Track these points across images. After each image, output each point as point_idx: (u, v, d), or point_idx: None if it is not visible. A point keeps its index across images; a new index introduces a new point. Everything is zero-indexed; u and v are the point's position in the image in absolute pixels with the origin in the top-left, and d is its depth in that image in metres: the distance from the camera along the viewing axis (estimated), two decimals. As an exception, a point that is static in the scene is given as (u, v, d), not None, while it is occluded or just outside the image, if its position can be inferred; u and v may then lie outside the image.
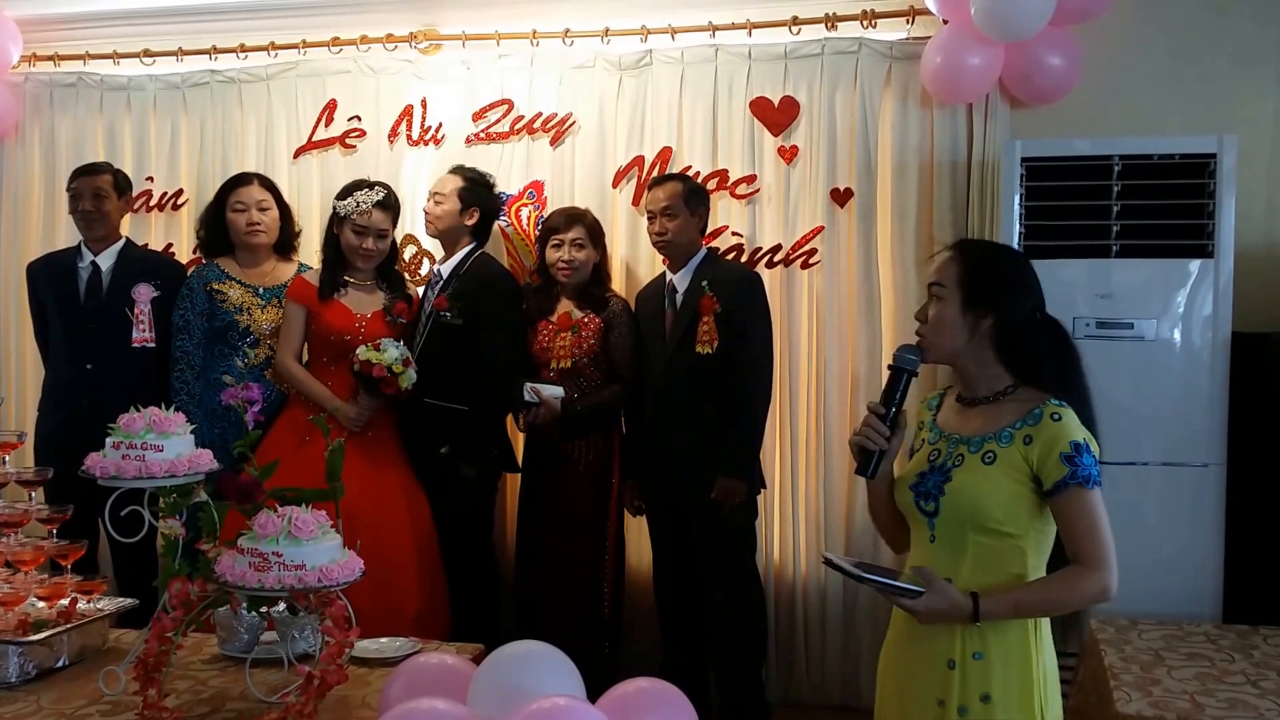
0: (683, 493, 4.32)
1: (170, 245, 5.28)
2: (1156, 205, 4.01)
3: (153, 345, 4.53)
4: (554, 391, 4.35)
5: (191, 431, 2.75)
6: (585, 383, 4.45)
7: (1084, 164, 4.09)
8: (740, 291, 4.30)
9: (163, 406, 2.72)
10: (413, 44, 5.10)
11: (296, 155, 5.19)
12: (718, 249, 4.64)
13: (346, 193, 4.45)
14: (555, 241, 4.47)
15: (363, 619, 2.96)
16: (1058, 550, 2.37)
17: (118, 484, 2.60)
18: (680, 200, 4.33)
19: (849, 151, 4.66)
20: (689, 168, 4.74)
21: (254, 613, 2.65)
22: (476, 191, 4.57)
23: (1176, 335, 4.01)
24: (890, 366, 2.47)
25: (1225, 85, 4.49)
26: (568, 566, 4.43)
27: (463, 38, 5.02)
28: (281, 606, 2.73)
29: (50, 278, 4.69)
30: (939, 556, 2.38)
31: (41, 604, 2.88)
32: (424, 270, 4.97)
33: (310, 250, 4.79)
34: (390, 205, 4.48)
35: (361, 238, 4.40)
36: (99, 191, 4.65)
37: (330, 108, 5.14)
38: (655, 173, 4.75)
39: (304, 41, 5.19)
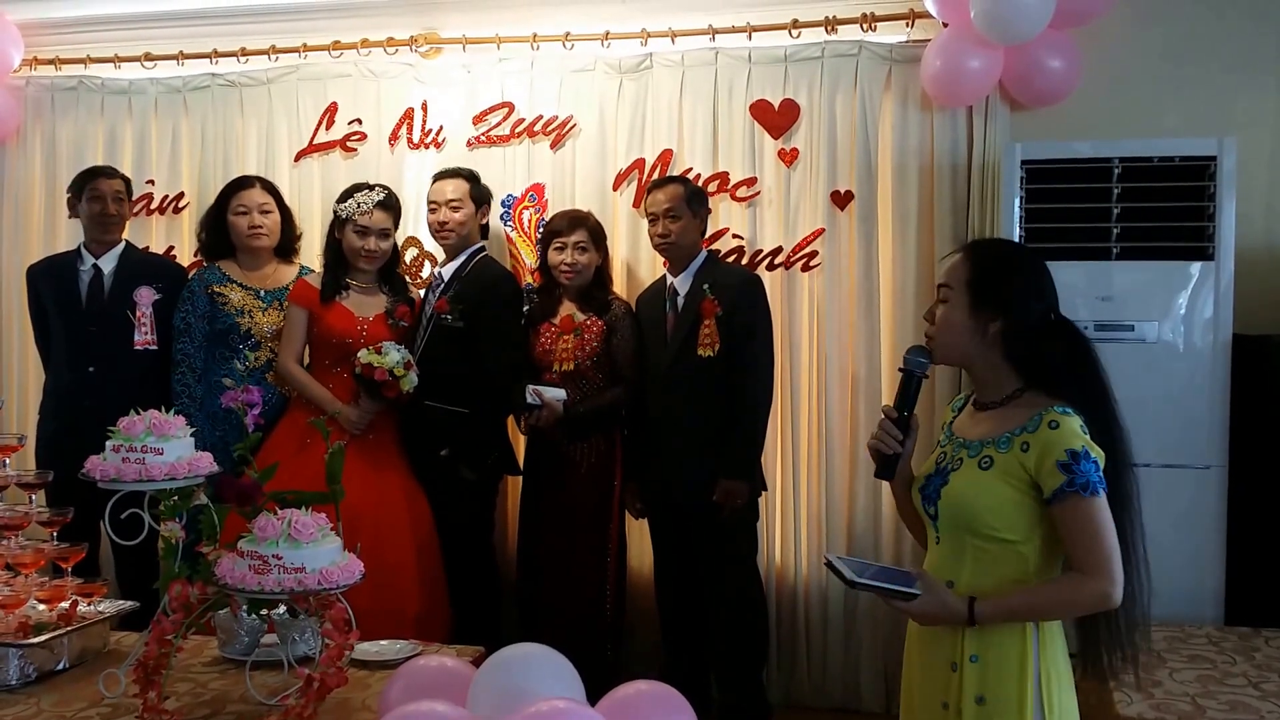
0: (684, 495, 4.31)
1: (171, 248, 5.29)
2: (1157, 208, 4.02)
3: (155, 348, 4.54)
4: (556, 394, 4.34)
5: (192, 434, 2.75)
6: (587, 385, 4.44)
7: (1084, 166, 4.10)
8: (741, 294, 4.30)
9: (163, 409, 2.72)
10: (413, 47, 5.11)
11: (297, 159, 5.19)
12: (718, 251, 4.64)
13: (347, 195, 4.47)
14: (557, 244, 4.47)
15: (363, 621, 2.96)
16: None
17: (117, 487, 2.60)
18: (682, 202, 4.34)
19: (849, 154, 4.67)
20: (689, 170, 4.75)
21: (254, 615, 2.65)
22: (482, 189, 4.62)
23: (1177, 337, 4.02)
24: (900, 369, 2.47)
25: (1225, 87, 4.49)
26: (569, 568, 4.42)
27: (463, 41, 5.02)
28: (282, 609, 2.73)
29: (51, 281, 4.69)
30: (943, 559, 2.40)
31: (42, 607, 2.87)
32: (426, 273, 4.97)
33: (311, 253, 4.80)
34: (391, 206, 4.49)
35: (364, 238, 4.41)
36: (119, 195, 4.67)
37: (331, 111, 5.14)
38: (656, 175, 4.75)
39: (305, 45, 5.19)
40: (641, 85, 4.86)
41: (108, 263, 4.64)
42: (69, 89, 5.42)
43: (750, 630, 4.40)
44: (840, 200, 4.67)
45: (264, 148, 5.23)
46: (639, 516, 4.62)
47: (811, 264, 4.70)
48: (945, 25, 4.46)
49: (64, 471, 3.12)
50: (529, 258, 4.90)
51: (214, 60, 5.29)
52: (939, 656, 2.37)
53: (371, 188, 4.48)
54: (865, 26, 4.64)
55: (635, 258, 4.88)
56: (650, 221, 4.43)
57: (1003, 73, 4.42)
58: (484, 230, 4.66)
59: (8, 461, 3.05)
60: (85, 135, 5.41)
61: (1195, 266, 3.99)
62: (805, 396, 4.75)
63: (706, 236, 4.58)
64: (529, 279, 4.83)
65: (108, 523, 2.62)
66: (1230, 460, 3.97)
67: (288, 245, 4.66)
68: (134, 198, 4.91)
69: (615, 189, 4.89)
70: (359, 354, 4.24)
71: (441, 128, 5.04)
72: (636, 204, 4.81)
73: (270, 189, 4.61)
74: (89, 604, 2.96)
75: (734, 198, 4.76)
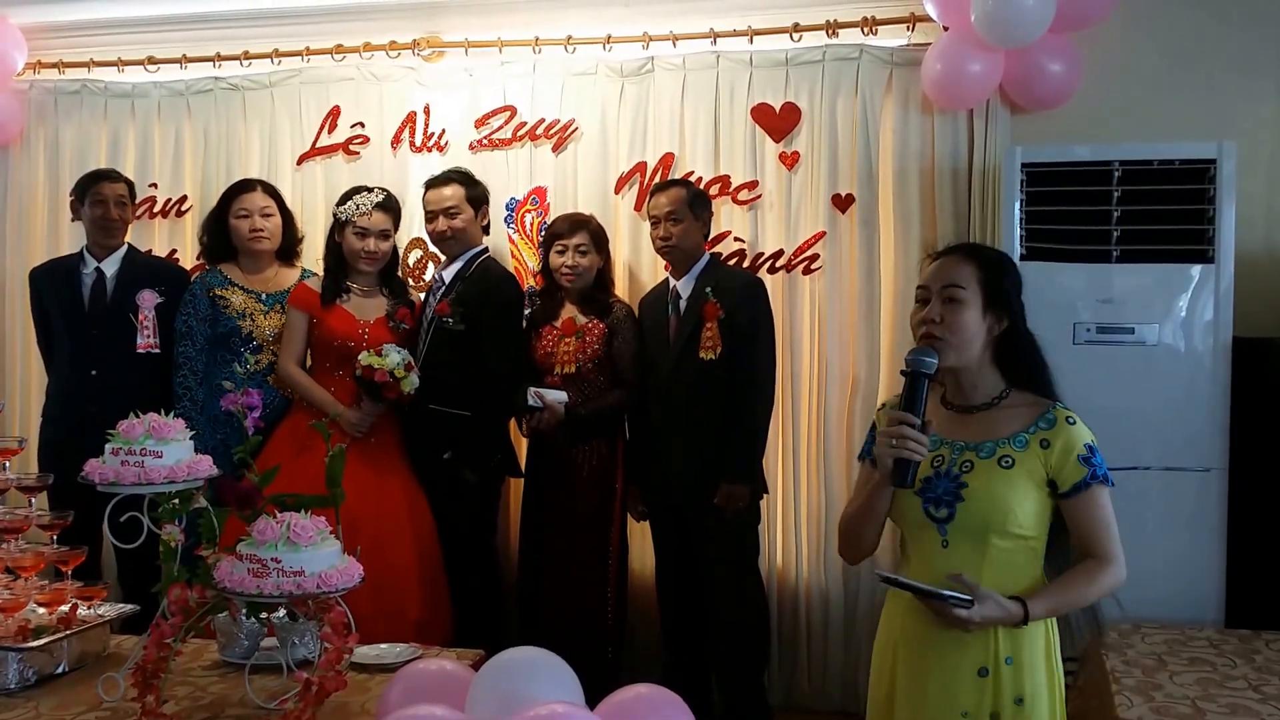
0: (685, 498, 4.32)
1: (174, 251, 5.30)
2: (1157, 211, 4.01)
3: (157, 351, 4.54)
4: (558, 396, 4.35)
5: (193, 437, 2.75)
6: (589, 388, 4.45)
7: (1084, 170, 4.09)
8: (743, 297, 4.30)
9: (162, 412, 2.72)
10: (416, 51, 5.12)
11: (300, 162, 5.20)
12: (719, 254, 4.64)
13: (346, 198, 4.49)
14: (559, 247, 4.48)
15: (364, 624, 2.96)
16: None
17: (116, 490, 2.59)
18: (684, 205, 4.34)
19: (850, 157, 4.67)
20: (691, 173, 4.75)
21: (253, 619, 2.66)
22: (478, 190, 4.62)
23: (1178, 340, 4.01)
24: (908, 372, 2.39)
25: (1225, 91, 4.49)
26: (571, 571, 4.43)
27: (465, 45, 5.03)
28: (281, 612, 2.73)
29: (54, 284, 4.71)
30: (956, 562, 2.37)
31: (42, 610, 2.87)
32: (429, 275, 4.98)
33: (313, 257, 4.80)
34: (390, 207, 4.51)
35: (363, 239, 4.42)
36: (121, 199, 4.68)
37: (334, 114, 5.15)
38: (658, 178, 4.76)
39: (307, 49, 5.20)
40: (643, 88, 4.87)
41: (110, 266, 4.65)
42: (72, 92, 5.43)
43: (751, 633, 4.40)
44: (841, 203, 4.68)
45: (267, 151, 5.24)
46: (640, 519, 4.63)
47: (812, 267, 4.71)
48: (946, 29, 4.46)
49: (66, 474, 3.12)
50: (531, 261, 4.91)
51: (217, 64, 5.30)
52: (965, 664, 2.37)
53: (370, 190, 4.49)
54: (866, 30, 4.64)
55: (637, 261, 4.89)
56: (652, 224, 4.44)
57: (1003, 76, 4.42)
58: (485, 229, 4.66)
59: (8, 464, 3.06)
60: (88, 138, 5.42)
61: (1195, 269, 3.98)
62: (806, 399, 4.75)
63: (709, 240, 4.57)
64: (531, 282, 4.84)
65: (107, 526, 2.63)
66: (1230, 463, 3.96)
67: (289, 248, 4.67)
68: (137, 201, 4.91)
69: (617, 192, 4.90)
70: (359, 356, 4.24)
71: (444, 131, 5.05)
72: (638, 207, 4.82)
73: (272, 192, 4.62)
74: (89, 607, 2.97)
75: (735, 201, 4.76)
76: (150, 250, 5.18)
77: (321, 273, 4.57)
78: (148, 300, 4.56)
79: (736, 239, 4.76)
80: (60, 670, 2.81)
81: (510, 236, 4.97)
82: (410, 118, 5.08)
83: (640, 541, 4.74)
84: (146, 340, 4.54)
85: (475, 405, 4.37)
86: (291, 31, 5.25)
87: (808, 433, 4.76)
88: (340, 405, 4.33)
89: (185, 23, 5.37)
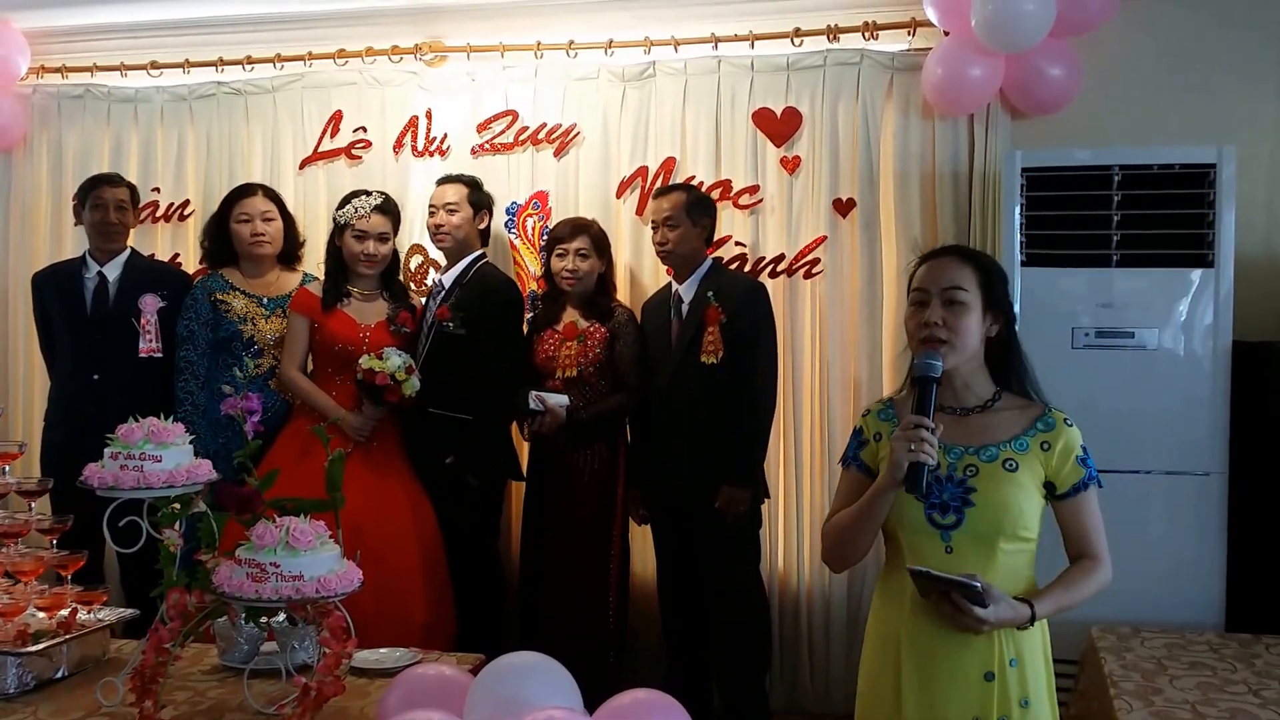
0: (686, 502, 4.32)
1: (177, 255, 5.31)
2: (1157, 215, 4.01)
3: (159, 355, 4.54)
4: (559, 400, 4.35)
5: (194, 441, 2.76)
6: (590, 392, 4.45)
7: (1084, 174, 4.09)
8: (745, 301, 4.31)
9: (162, 417, 2.72)
10: (418, 56, 5.13)
11: (302, 166, 5.21)
12: (722, 259, 4.65)
13: (345, 201, 4.51)
14: (560, 251, 4.48)
15: (370, 629, 2.97)
16: None
17: (115, 494, 2.60)
18: (682, 210, 4.35)
19: (851, 162, 4.68)
20: (692, 178, 4.76)
21: (251, 624, 2.66)
22: (482, 194, 4.63)
23: (1178, 344, 4.01)
24: (917, 377, 2.36)
25: (1225, 95, 4.49)
26: (572, 575, 4.43)
27: (468, 49, 5.04)
28: (281, 617, 2.72)
29: (56, 288, 4.71)
30: (959, 568, 2.32)
31: (41, 614, 2.88)
32: (430, 279, 4.98)
33: (315, 261, 4.80)
34: (389, 210, 4.52)
35: (362, 242, 4.43)
36: (122, 204, 4.68)
37: (336, 119, 5.16)
38: (659, 183, 4.77)
39: (310, 53, 5.21)
40: (645, 93, 4.88)
41: (112, 270, 4.66)
42: (75, 97, 5.45)
43: (752, 637, 4.40)
44: (842, 208, 4.68)
45: (269, 155, 5.25)
46: (642, 523, 4.63)
47: (814, 271, 4.71)
48: (946, 34, 4.46)
49: (69, 479, 3.13)
50: (533, 265, 4.92)
51: (219, 68, 5.32)
52: (972, 668, 2.35)
53: (369, 193, 4.51)
54: (867, 35, 4.65)
55: (639, 265, 4.90)
56: (653, 229, 4.45)
57: (1003, 81, 4.42)
58: (484, 236, 4.67)
59: (8, 469, 3.07)
60: (91, 143, 5.43)
61: (1195, 273, 3.98)
62: (808, 403, 4.76)
63: (711, 244, 4.57)
64: (533, 286, 4.84)
65: (106, 530, 2.63)
66: (1230, 467, 3.96)
67: (291, 252, 4.67)
68: (140, 205, 4.92)
69: (619, 196, 4.91)
70: (360, 360, 4.25)
71: (446, 135, 5.06)
72: (639, 211, 4.83)
73: (273, 196, 4.63)
74: (89, 611, 2.96)
75: (737, 205, 4.77)
76: (153, 254, 5.19)
77: (322, 277, 4.58)
78: (150, 305, 4.56)
79: (738, 243, 4.77)
80: (59, 675, 2.80)
81: (512, 241, 4.98)
82: (412, 122, 5.09)
83: (642, 545, 4.74)
84: (148, 344, 4.53)
85: (476, 409, 4.37)
86: (294, 36, 5.27)
87: (809, 436, 4.76)
88: (342, 409, 4.33)
89: (188, 28, 5.38)
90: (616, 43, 4.90)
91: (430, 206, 4.62)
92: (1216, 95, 4.49)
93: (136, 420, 2.66)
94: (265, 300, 4.53)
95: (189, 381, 4.44)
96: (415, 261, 5.05)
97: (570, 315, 4.52)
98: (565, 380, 4.43)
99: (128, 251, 4.75)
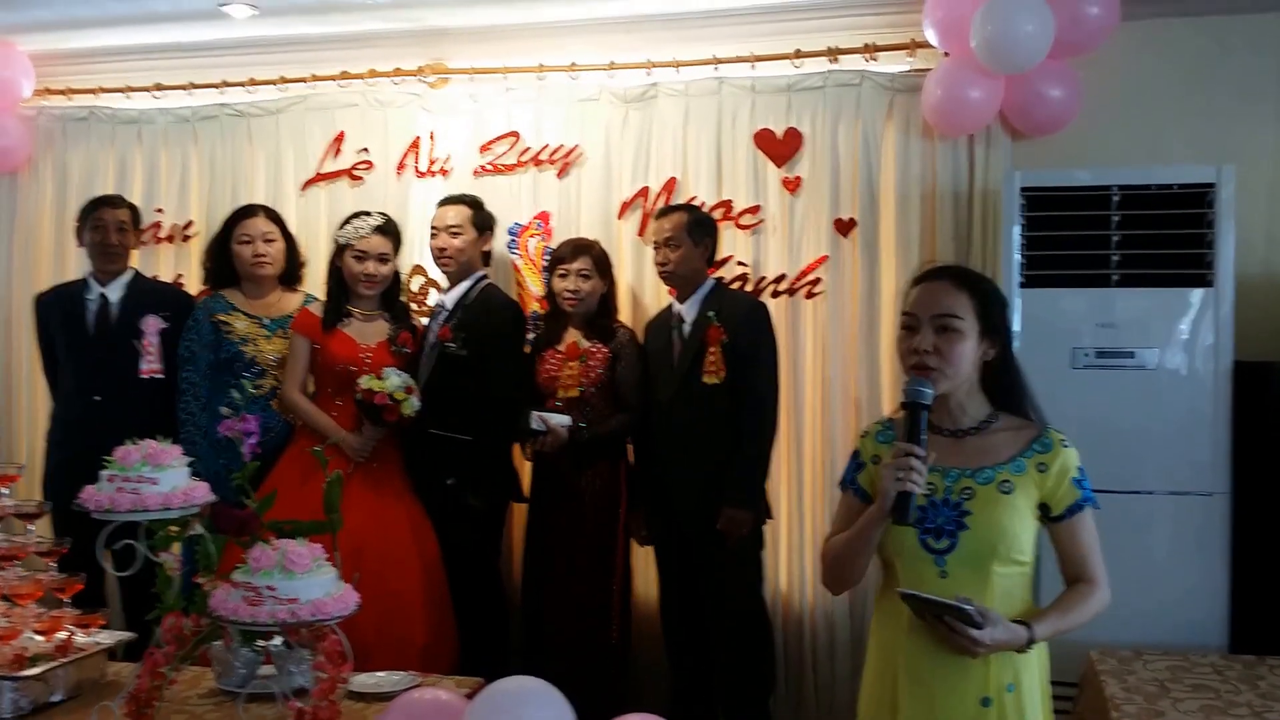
0: (689, 523, 4.31)
1: (180, 276, 5.33)
2: (1156, 235, 4.01)
3: (162, 376, 4.55)
4: (561, 420, 4.35)
5: (195, 463, 2.76)
6: (592, 412, 4.45)
7: (1083, 194, 4.09)
8: (746, 321, 4.31)
9: (159, 438, 2.72)
10: (421, 78, 5.15)
11: (305, 187, 5.24)
12: (723, 279, 4.65)
13: (346, 222, 4.52)
14: (561, 271, 4.49)
15: (370, 651, 2.96)
16: None
17: (111, 517, 2.59)
18: (683, 231, 4.35)
19: (852, 182, 4.68)
20: (694, 198, 4.77)
21: (246, 648, 2.65)
22: (485, 216, 4.64)
23: (1179, 364, 4.00)
24: (907, 404, 2.34)
25: (1224, 116, 4.48)
26: (575, 596, 4.42)
27: (470, 71, 5.07)
28: (277, 641, 2.72)
29: (59, 309, 4.73)
30: (955, 592, 2.29)
31: (39, 638, 2.86)
32: (432, 300, 4.99)
33: (316, 282, 4.81)
34: (389, 231, 4.52)
35: (362, 263, 4.43)
36: (122, 225, 4.70)
37: (338, 140, 5.19)
38: (661, 203, 4.77)
39: (313, 75, 5.25)
40: (646, 114, 4.89)
41: (115, 291, 4.67)
42: (80, 119, 5.49)
43: (756, 658, 4.39)
44: (843, 228, 4.68)
45: (272, 177, 5.28)
46: (644, 544, 4.62)
47: (815, 291, 4.71)
48: (946, 55, 4.47)
49: (71, 500, 3.14)
50: (535, 285, 4.92)
51: (222, 90, 5.35)
52: (968, 693, 2.33)
53: (370, 214, 4.52)
54: (867, 56, 4.66)
55: (640, 285, 4.90)
56: (654, 249, 4.46)
57: (1003, 102, 4.43)
58: (486, 257, 4.68)
59: (6, 491, 3.06)
60: (95, 164, 5.47)
61: (1195, 293, 3.97)
62: (809, 423, 4.75)
63: (713, 264, 4.57)
64: (535, 306, 4.85)
65: (100, 554, 2.62)
66: (1234, 487, 3.95)
67: (292, 273, 4.68)
68: (142, 226, 4.94)
69: (620, 217, 4.92)
70: (360, 379, 4.24)
71: (448, 156, 5.08)
72: (641, 232, 4.84)
73: (274, 217, 4.64)
74: (87, 634, 2.95)
75: (738, 225, 4.78)
76: (156, 275, 5.21)
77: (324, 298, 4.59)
78: (152, 326, 4.57)
79: (739, 263, 4.77)
80: (57, 699, 2.78)
81: (514, 261, 4.98)
82: (415, 143, 5.11)
83: (644, 566, 4.73)
84: (150, 365, 4.55)
85: (478, 429, 4.37)
86: (297, 58, 5.30)
87: (811, 456, 4.75)
88: (342, 430, 4.33)
89: (191, 50, 5.41)
90: (618, 64, 4.92)
91: (433, 229, 4.62)
92: (1216, 115, 4.49)
93: (134, 442, 2.66)
94: (267, 321, 4.54)
95: (191, 403, 4.45)
96: (417, 282, 5.06)
97: (572, 335, 4.52)
98: (567, 400, 4.43)
99: (130, 273, 4.76)
